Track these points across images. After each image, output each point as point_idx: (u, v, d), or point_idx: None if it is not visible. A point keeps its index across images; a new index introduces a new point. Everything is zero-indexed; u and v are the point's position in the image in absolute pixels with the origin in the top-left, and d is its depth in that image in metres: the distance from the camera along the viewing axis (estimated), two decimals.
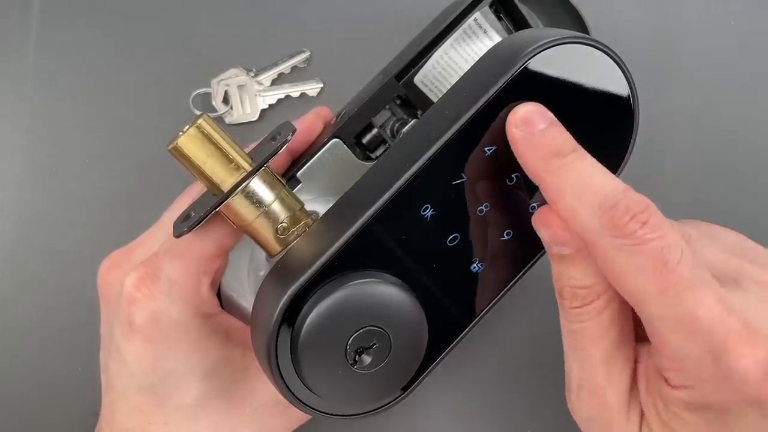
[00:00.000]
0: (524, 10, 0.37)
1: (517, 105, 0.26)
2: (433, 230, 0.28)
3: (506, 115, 0.27)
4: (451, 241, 0.28)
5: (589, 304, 0.26)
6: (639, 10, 0.44)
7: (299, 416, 0.35)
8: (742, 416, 0.24)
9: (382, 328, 0.27)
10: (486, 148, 0.27)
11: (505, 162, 0.27)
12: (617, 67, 0.28)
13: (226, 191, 0.29)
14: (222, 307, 0.37)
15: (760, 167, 0.44)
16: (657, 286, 0.23)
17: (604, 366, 0.27)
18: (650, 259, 0.23)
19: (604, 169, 0.26)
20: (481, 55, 0.30)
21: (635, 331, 0.28)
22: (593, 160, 0.26)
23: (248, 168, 0.29)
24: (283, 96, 0.43)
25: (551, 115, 0.26)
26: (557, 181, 0.26)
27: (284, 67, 0.43)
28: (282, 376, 0.27)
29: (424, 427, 0.42)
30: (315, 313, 0.26)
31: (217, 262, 0.33)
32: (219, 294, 0.37)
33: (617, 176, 0.29)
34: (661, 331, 0.24)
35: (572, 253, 0.26)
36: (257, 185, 0.29)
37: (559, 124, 0.26)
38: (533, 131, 0.26)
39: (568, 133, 0.26)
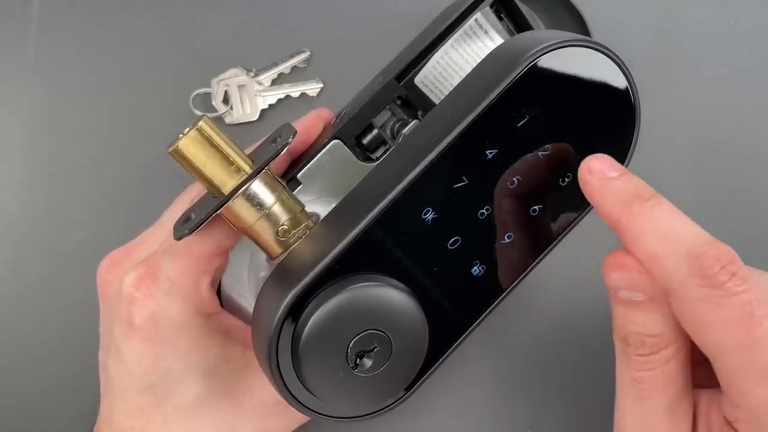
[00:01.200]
0: (525, 10, 0.37)
1: (588, 158, 0.26)
2: (435, 233, 0.27)
3: (508, 117, 0.27)
4: (452, 245, 0.28)
5: (657, 353, 0.26)
6: (640, 10, 0.44)
7: (299, 416, 0.35)
8: None
9: (383, 332, 0.27)
10: (488, 152, 0.27)
11: (507, 165, 0.27)
12: (619, 69, 0.28)
13: (226, 194, 0.29)
14: (222, 307, 0.37)
15: (760, 167, 0.44)
16: (742, 339, 0.23)
17: (667, 417, 0.26)
18: (738, 311, 0.23)
19: (685, 215, 0.25)
20: (482, 55, 0.30)
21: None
22: (673, 206, 0.25)
23: (249, 170, 0.29)
24: (283, 96, 0.43)
25: (621, 166, 0.26)
26: (639, 225, 0.25)
27: (284, 67, 0.43)
28: (282, 379, 0.27)
29: (424, 428, 0.42)
30: (316, 317, 0.25)
31: (216, 262, 0.33)
32: (219, 294, 0.37)
33: None
34: (741, 382, 0.24)
35: (646, 299, 0.25)
36: (258, 188, 0.29)
37: (631, 173, 0.26)
38: (609, 176, 0.26)
39: (643, 181, 0.26)
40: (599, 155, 0.26)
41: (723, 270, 0.23)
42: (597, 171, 0.26)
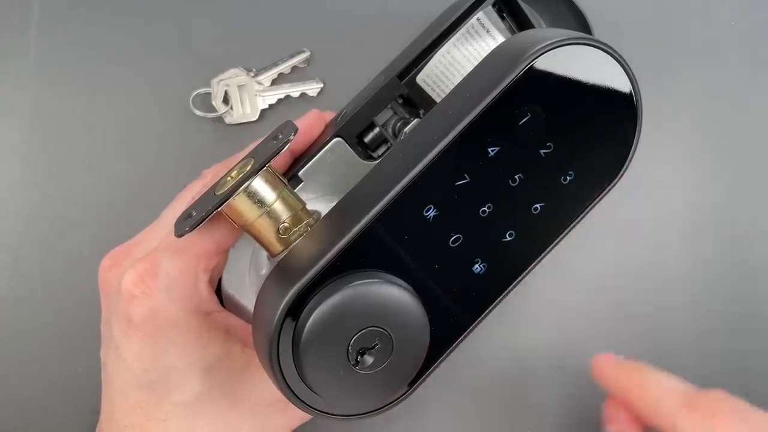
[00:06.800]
0: (527, 9, 0.37)
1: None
2: (436, 231, 0.27)
3: (510, 115, 0.27)
4: (453, 242, 0.28)
5: None
6: (641, 10, 0.44)
7: (300, 415, 0.35)
8: None
9: (384, 329, 0.27)
10: (490, 149, 0.27)
11: (509, 163, 0.27)
12: (620, 67, 0.28)
13: (227, 190, 0.29)
14: (223, 306, 0.36)
15: (760, 167, 0.44)
16: None
17: None
18: None
19: (671, 376, 0.34)
20: (484, 54, 0.30)
21: None
22: (661, 372, 0.34)
23: (250, 167, 0.29)
24: (283, 96, 0.43)
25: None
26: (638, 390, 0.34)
27: (284, 67, 0.43)
28: (283, 376, 0.27)
29: (424, 428, 0.42)
30: (317, 314, 0.25)
31: (216, 260, 0.33)
32: (220, 292, 0.37)
33: (621, 175, 0.30)
34: None
35: None
36: (259, 185, 0.29)
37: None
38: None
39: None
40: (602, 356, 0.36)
41: None
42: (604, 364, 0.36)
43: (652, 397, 0.33)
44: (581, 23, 0.39)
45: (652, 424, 0.34)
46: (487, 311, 0.30)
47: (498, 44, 0.31)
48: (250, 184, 0.29)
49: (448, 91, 0.36)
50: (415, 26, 0.41)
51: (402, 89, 0.36)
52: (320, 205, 0.35)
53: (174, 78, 0.44)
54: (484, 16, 0.36)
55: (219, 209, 0.29)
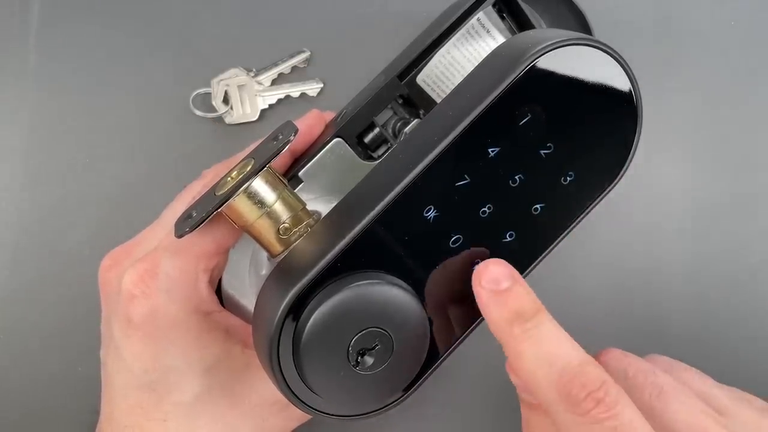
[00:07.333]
0: (527, 9, 0.37)
1: (483, 262, 0.27)
2: (436, 231, 0.27)
3: (510, 115, 0.26)
4: (453, 243, 0.28)
5: None
6: (641, 10, 0.44)
7: (299, 415, 0.35)
8: None
9: (384, 330, 0.27)
10: (490, 150, 0.27)
11: (509, 163, 0.27)
12: (620, 67, 0.28)
13: (227, 191, 0.29)
14: (223, 306, 0.36)
15: (760, 167, 0.44)
16: None
17: None
18: None
19: (566, 336, 0.26)
20: (484, 54, 0.30)
21: None
22: (556, 325, 0.26)
23: (250, 168, 0.29)
24: (283, 96, 0.43)
25: (516, 274, 0.27)
26: (518, 347, 0.26)
27: (284, 67, 0.43)
28: (283, 376, 0.27)
29: (424, 428, 0.42)
30: (317, 315, 0.25)
31: (215, 260, 0.33)
32: (220, 292, 0.37)
33: (621, 175, 0.30)
34: None
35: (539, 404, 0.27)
36: (259, 185, 0.29)
37: (524, 282, 0.27)
38: (498, 289, 0.27)
39: (532, 293, 0.27)
40: (493, 261, 0.27)
41: (589, 397, 0.24)
42: (487, 281, 0.27)
43: (526, 371, 0.26)
44: (581, 23, 0.39)
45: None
46: None
47: (498, 44, 0.31)
48: (250, 184, 0.29)
49: (448, 91, 0.36)
50: (415, 26, 0.41)
51: (402, 89, 0.36)
52: (320, 205, 0.35)
53: (174, 78, 0.44)
54: (484, 16, 0.36)
55: (219, 210, 0.29)
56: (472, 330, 0.30)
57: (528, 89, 0.27)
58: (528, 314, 0.26)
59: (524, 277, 0.30)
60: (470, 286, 0.28)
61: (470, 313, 0.29)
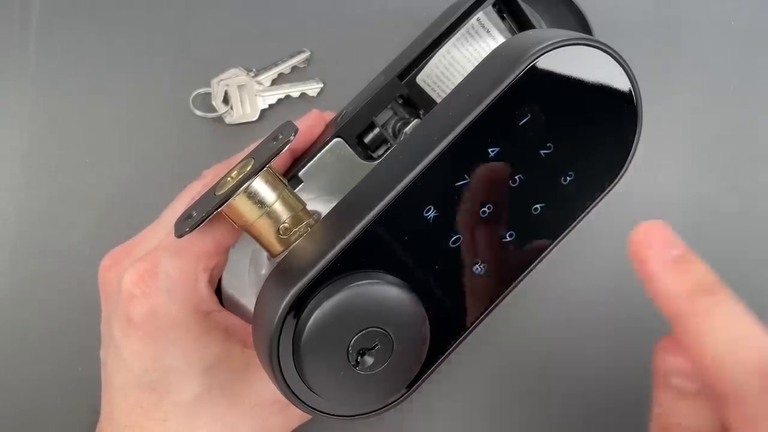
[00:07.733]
0: (527, 9, 0.37)
1: (645, 223, 0.23)
2: (436, 231, 0.27)
3: (510, 115, 0.26)
4: (453, 243, 0.28)
5: None
6: (641, 10, 0.44)
7: (299, 415, 0.35)
8: None
9: (384, 330, 0.27)
10: (490, 150, 0.27)
11: (509, 163, 0.27)
12: (620, 67, 0.28)
13: (227, 190, 0.29)
14: (223, 306, 0.36)
15: (760, 167, 0.44)
16: None
17: None
18: None
19: (750, 315, 0.22)
20: (484, 54, 0.30)
21: None
22: (738, 301, 0.23)
23: (250, 168, 0.29)
24: (283, 96, 0.43)
25: (681, 242, 0.23)
26: (704, 324, 0.22)
27: (284, 67, 0.43)
28: (283, 376, 0.27)
29: (424, 427, 0.42)
30: (317, 314, 0.25)
31: (215, 260, 0.33)
32: (220, 292, 0.37)
33: (621, 176, 0.30)
34: None
35: (698, 392, 0.23)
36: (259, 185, 0.29)
37: (691, 252, 0.23)
38: (670, 257, 0.23)
39: (706, 266, 0.23)
40: (654, 224, 0.23)
41: None
42: (656, 245, 0.23)
43: (712, 352, 0.22)
44: (581, 23, 0.39)
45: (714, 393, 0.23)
46: (487, 312, 0.30)
47: (498, 44, 0.31)
48: (250, 184, 0.29)
49: (448, 91, 0.36)
50: (415, 26, 0.41)
51: (402, 89, 0.36)
52: (320, 205, 0.35)
53: (174, 78, 0.44)
54: (484, 16, 0.36)
55: (219, 210, 0.29)
56: (473, 330, 0.30)
57: (528, 89, 0.27)
58: (712, 287, 0.22)
59: (524, 278, 0.30)
60: (470, 286, 0.29)
61: (471, 313, 0.29)
